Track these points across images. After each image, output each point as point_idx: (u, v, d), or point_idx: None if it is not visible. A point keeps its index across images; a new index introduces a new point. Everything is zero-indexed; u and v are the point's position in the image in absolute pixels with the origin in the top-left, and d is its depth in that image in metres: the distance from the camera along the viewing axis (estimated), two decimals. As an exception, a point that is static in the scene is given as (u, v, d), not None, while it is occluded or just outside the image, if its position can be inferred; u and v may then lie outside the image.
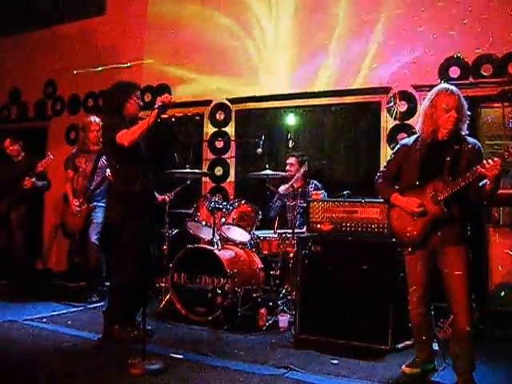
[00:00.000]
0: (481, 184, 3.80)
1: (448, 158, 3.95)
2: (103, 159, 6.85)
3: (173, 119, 6.09)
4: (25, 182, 7.15)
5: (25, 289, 7.24)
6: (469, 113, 4.03)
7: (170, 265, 6.12)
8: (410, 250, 4.09)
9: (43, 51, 9.57)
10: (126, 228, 5.09)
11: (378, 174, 4.39)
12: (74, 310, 6.47)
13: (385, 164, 4.40)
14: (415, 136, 4.22)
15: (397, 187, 4.22)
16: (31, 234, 8.19)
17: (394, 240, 4.59)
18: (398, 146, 4.32)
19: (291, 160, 6.88)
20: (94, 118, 7.05)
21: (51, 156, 7.14)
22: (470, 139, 4.03)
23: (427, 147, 4.07)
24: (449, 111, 3.93)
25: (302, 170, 6.63)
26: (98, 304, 6.64)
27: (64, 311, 6.36)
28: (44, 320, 5.94)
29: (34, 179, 7.21)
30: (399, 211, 4.14)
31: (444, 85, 4.13)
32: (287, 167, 6.85)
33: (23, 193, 7.26)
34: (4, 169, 7.49)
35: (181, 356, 4.67)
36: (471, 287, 3.92)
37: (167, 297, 6.20)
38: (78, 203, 6.96)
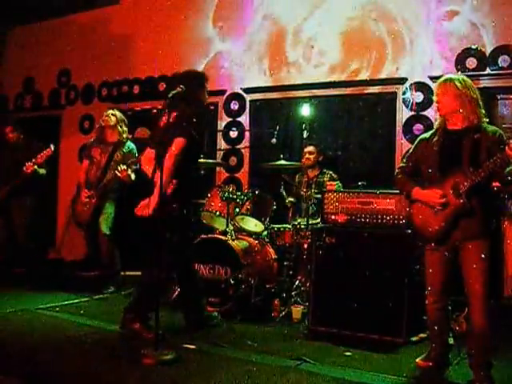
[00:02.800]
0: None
1: (466, 148, 3.89)
2: (121, 152, 6.81)
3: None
4: (26, 167, 6.86)
5: (27, 277, 7.16)
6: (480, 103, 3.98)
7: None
8: (432, 245, 4.03)
9: (58, 40, 9.56)
10: (179, 226, 4.98)
11: (398, 169, 4.34)
12: (87, 299, 6.46)
13: (404, 159, 4.35)
14: (434, 129, 4.18)
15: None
16: (42, 224, 8.19)
17: (410, 232, 4.57)
18: (417, 140, 4.27)
19: (310, 148, 6.84)
20: (111, 112, 7.00)
21: (52, 148, 6.95)
22: (491, 127, 3.96)
23: (445, 138, 4.02)
24: (436, 96, 4.02)
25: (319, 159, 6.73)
26: (111, 294, 6.69)
27: (77, 300, 6.35)
28: (57, 309, 5.95)
29: (35, 166, 6.90)
30: (420, 206, 4.07)
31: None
32: (306, 156, 6.81)
33: (24, 179, 6.95)
34: (4, 154, 7.25)
35: (193, 346, 4.65)
36: (489, 282, 3.87)
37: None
38: (87, 194, 6.81)
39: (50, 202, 9.29)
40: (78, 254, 7.53)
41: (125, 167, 6.49)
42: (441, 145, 4.01)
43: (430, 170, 4.04)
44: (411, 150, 4.27)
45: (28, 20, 9.83)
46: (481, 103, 3.98)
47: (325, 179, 6.68)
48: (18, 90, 10.11)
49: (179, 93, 4.74)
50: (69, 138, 8.89)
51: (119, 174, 6.49)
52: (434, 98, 4.05)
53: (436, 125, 4.19)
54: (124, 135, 6.98)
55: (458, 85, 3.93)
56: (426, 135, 4.20)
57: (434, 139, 4.07)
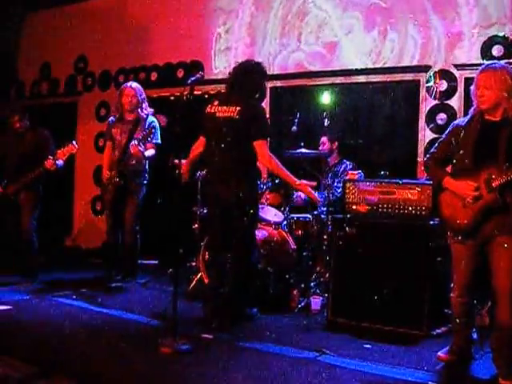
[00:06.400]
0: None
1: (504, 141, 3.76)
2: (141, 129, 6.47)
3: (206, 96, 5.97)
4: (46, 163, 6.45)
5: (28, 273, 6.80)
6: None
7: (202, 244, 6.06)
8: (459, 238, 3.93)
9: (75, 26, 9.49)
10: (252, 210, 5.11)
11: (428, 155, 4.23)
12: (104, 287, 6.38)
13: (435, 145, 4.21)
14: (469, 116, 4.04)
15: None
16: (59, 212, 8.11)
17: (433, 223, 4.48)
18: (451, 125, 4.13)
19: (323, 138, 6.78)
20: (131, 84, 6.73)
21: (75, 145, 6.51)
22: None
23: (481, 128, 3.89)
24: (478, 89, 3.84)
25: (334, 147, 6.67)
26: (128, 283, 6.61)
27: (93, 288, 6.30)
28: (73, 297, 5.95)
29: (56, 161, 6.49)
30: (450, 196, 3.96)
31: (488, 62, 3.98)
32: (320, 147, 6.75)
33: (41, 174, 6.62)
34: (9, 144, 6.93)
35: (211, 336, 4.61)
36: None
37: (198, 276, 6.14)
38: (108, 175, 6.49)
39: (66, 189, 9.27)
40: (95, 241, 7.46)
41: (136, 142, 6.22)
42: (477, 135, 3.89)
43: (463, 160, 3.91)
44: (444, 136, 4.13)
45: (45, 5, 9.79)
46: None
47: (341, 168, 6.63)
48: (34, 77, 10.06)
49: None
50: (85, 125, 8.84)
51: (131, 151, 6.27)
52: (476, 88, 3.87)
53: (471, 112, 4.03)
54: (145, 111, 6.66)
55: (507, 77, 3.79)
56: (461, 121, 4.08)
57: (471, 128, 3.94)
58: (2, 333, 4.63)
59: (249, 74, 5.15)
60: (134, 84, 6.73)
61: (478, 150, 3.86)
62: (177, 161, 4.87)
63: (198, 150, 5.33)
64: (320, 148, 6.74)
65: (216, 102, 5.17)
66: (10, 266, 6.85)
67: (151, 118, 6.66)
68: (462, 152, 3.94)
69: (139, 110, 6.61)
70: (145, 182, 6.68)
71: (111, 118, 6.87)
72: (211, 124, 5.14)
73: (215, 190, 5.14)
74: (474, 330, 4.36)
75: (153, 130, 6.46)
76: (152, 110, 6.80)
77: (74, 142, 6.52)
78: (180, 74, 8.31)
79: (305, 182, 5.41)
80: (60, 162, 6.56)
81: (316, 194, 5.52)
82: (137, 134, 6.46)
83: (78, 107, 9.55)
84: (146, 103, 6.73)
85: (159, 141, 6.57)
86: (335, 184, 6.38)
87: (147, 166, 6.68)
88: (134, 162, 6.47)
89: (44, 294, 5.99)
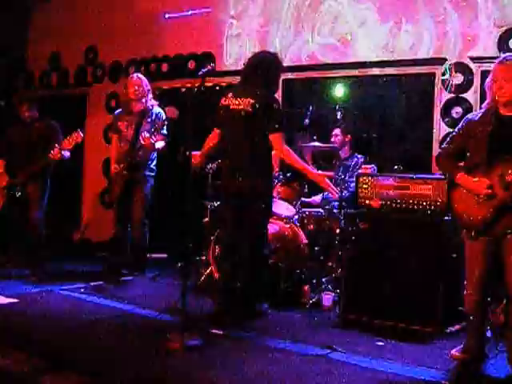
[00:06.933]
0: None
1: None
2: (148, 121, 6.49)
3: (217, 88, 5.90)
4: (52, 153, 6.37)
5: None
6: None
7: (212, 238, 6.01)
8: (473, 235, 3.84)
9: (85, 16, 9.42)
10: (267, 203, 5.13)
11: (440, 150, 4.17)
12: (113, 281, 6.32)
13: (448, 139, 4.14)
14: (483, 110, 3.96)
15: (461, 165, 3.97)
16: (68, 205, 8.05)
17: (447, 218, 4.40)
18: (464, 120, 4.05)
19: (335, 131, 6.68)
20: (137, 75, 6.74)
21: (81, 134, 6.42)
22: None
23: (496, 122, 3.80)
24: (496, 81, 3.75)
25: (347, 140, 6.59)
26: (135, 277, 6.57)
27: (102, 282, 6.26)
28: (82, 290, 5.92)
29: (63, 151, 6.45)
30: (462, 193, 3.88)
31: (505, 54, 3.89)
32: (332, 139, 6.66)
33: (47, 164, 6.60)
34: (17, 132, 6.88)
35: (220, 332, 4.55)
36: None
37: (208, 270, 6.10)
38: (117, 169, 6.50)
39: (74, 182, 9.23)
40: (104, 234, 7.41)
41: (147, 134, 6.23)
42: (492, 130, 3.79)
43: (476, 155, 3.83)
44: (457, 130, 4.05)
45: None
46: None
47: (351, 163, 6.55)
48: (44, 67, 10.00)
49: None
50: (95, 117, 8.78)
51: (142, 142, 6.26)
52: (493, 81, 3.78)
53: (485, 106, 3.95)
54: (150, 102, 6.64)
55: None
56: (475, 116, 4.00)
57: (485, 122, 3.85)
58: (10, 326, 4.61)
59: (264, 66, 5.08)
60: (140, 75, 6.75)
61: (493, 144, 3.77)
62: (188, 153, 4.81)
63: (213, 141, 5.29)
64: (332, 139, 6.66)
65: (230, 94, 5.12)
66: (18, 259, 6.82)
67: (157, 109, 6.64)
68: (475, 147, 3.87)
69: (144, 100, 6.59)
70: (152, 174, 6.67)
71: (117, 111, 6.89)
72: (225, 117, 5.10)
73: (229, 183, 5.10)
74: (488, 328, 4.29)
75: (165, 122, 6.44)
76: (157, 102, 6.77)
77: (79, 131, 6.45)
78: (191, 65, 8.24)
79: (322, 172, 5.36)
80: (67, 154, 6.51)
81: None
82: (144, 125, 6.46)
83: (87, 98, 9.50)
84: (151, 95, 6.72)
85: (166, 132, 6.54)
86: (347, 178, 6.29)
87: (155, 158, 6.67)
88: (142, 153, 6.45)
89: (52, 287, 5.96)
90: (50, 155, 6.41)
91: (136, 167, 6.49)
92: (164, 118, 6.55)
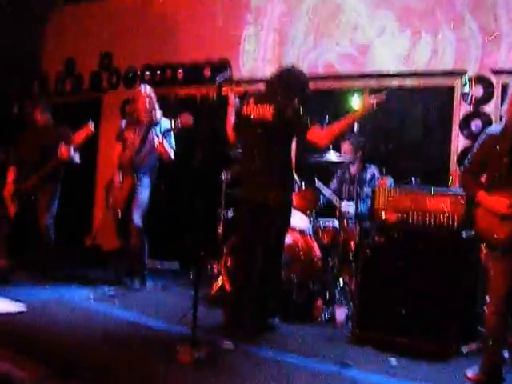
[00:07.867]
0: None
1: None
2: (153, 131, 6.44)
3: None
4: (61, 151, 6.47)
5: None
6: None
7: (225, 248, 5.93)
8: (497, 253, 3.75)
9: (100, 22, 9.40)
10: (288, 215, 5.10)
11: (463, 169, 4.11)
12: (122, 290, 6.28)
13: (469, 157, 4.08)
14: (504, 124, 3.88)
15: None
16: (79, 211, 7.99)
17: (466, 234, 4.30)
18: (484, 135, 3.98)
19: (345, 144, 6.49)
20: (145, 87, 6.68)
21: (91, 126, 6.42)
22: None
23: None
24: None
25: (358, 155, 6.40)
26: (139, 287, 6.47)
27: (111, 291, 6.18)
28: (91, 298, 5.86)
29: (71, 150, 6.45)
30: (486, 211, 3.81)
31: None
32: (342, 151, 6.47)
33: (57, 166, 6.60)
34: (30, 137, 6.83)
35: (232, 345, 4.46)
36: None
37: (219, 281, 6.03)
38: (121, 178, 6.45)
39: (87, 188, 9.21)
40: (115, 241, 7.35)
41: (160, 139, 6.22)
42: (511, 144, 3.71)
43: (497, 172, 3.76)
44: (477, 147, 3.98)
45: (71, 0, 9.74)
46: None
47: (367, 176, 6.39)
48: (59, 73, 9.96)
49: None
50: (109, 123, 8.71)
51: (157, 144, 6.22)
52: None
53: (506, 121, 3.87)
54: (158, 115, 6.59)
55: None
56: (495, 130, 3.92)
57: (505, 137, 3.76)
58: (17, 333, 4.55)
59: (289, 80, 5.04)
60: (148, 87, 6.69)
61: None
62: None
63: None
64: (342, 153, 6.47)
65: (251, 100, 5.07)
66: (27, 265, 6.76)
67: (165, 122, 6.52)
68: (495, 163, 3.80)
69: (153, 111, 6.58)
70: (151, 181, 6.60)
71: (123, 123, 6.84)
72: (246, 125, 5.06)
73: (249, 192, 5.03)
74: (507, 349, 4.18)
75: (169, 132, 6.43)
76: (161, 111, 6.69)
77: (89, 123, 6.44)
78: (207, 72, 8.19)
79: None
80: (76, 158, 6.54)
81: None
82: (151, 135, 6.44)
83: (102, 105, 9.45)
84: (157, 105, 6.67)
85: (173, 143, 6.52)
86: (363, 192, 6.17)
87: (156, 166, 6.63)
88: (145, 160, 6.46)
89: (60, 294, 5.91)
90: (59, 154, 6.42)
91: (138, 175, 6.47)
92: (169, 127, 6.44)
